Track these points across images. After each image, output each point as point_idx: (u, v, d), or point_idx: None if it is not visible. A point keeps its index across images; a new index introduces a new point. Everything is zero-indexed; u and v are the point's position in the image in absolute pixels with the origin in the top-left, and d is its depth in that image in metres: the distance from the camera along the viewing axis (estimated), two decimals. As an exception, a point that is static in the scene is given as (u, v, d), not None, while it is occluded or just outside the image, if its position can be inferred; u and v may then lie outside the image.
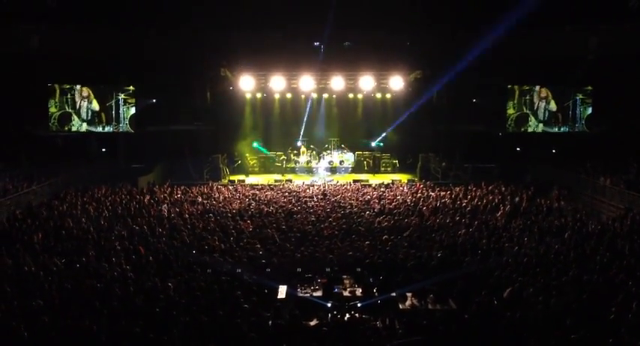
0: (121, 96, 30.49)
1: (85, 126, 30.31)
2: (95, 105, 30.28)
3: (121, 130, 30.70)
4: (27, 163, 28.29)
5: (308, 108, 33.85)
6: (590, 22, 29.29)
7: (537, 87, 30.97)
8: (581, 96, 30.99)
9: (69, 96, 30.02)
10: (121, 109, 30.51)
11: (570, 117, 31.09)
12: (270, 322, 11.33)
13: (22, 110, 30.07)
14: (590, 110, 30.99)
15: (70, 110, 30.07)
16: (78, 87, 30.05)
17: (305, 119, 34.00)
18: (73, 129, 30.23)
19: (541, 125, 31.12)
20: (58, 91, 29.91)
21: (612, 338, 10.00)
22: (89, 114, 30.28)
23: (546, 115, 31.06)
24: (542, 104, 31.00)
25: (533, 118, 31.06)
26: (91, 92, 30.23)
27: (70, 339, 10.45)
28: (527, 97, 31.01)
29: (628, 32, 28.99)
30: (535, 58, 30.26)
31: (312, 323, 11.69)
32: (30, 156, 29.12)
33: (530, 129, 31.19)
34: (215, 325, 11.00)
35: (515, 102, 30.99)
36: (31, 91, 29.54)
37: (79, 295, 12.61)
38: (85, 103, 30.20)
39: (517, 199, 22.80)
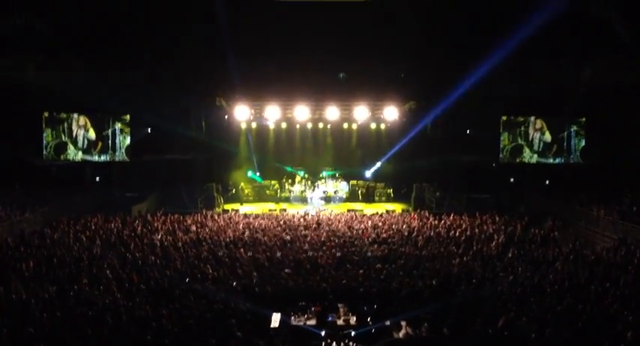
0: (118, 125, 30.59)
1: (80, 155, 30.33)
2: (92, 134, 30.35)
3: (117, 159, 30.72)
4: (20, 191, 28.19)
5: (302, 138, 33.98)
6: (582, 53, 29.64)
7: (532, 118, 31.25)
8: (575, 128, 31.26)
9: (65, 125, 30.08)
10: (117, 138, 30.59)
11: (565, 149, 31.32)
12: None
13: (16, 138, 30.06)
14: (584, 142, 31.22)
15: (67, 139, 30.11)
16: (75, 115, 30.14)
17: (299, 148, 34.12)
18: (69, 157, 30.22)
19: (535, 156, 31.34)
20: (53, 120, 29.94)
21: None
22: (85, 143, 30.31)
23: (541, 146, 31.31)
24: (537, 135, 31.26)
25: (527, 149, 31.29)
26: (88, 121, 30.32)
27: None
28: (522, 128, 31.27)
29: (620, 63, 29.32)
30: (528, 90, 30.52)
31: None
32: (24, 184, 29.03)
33: (525, 160, 31.37)
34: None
35: (510, 133, 31.21)
36: (26, 119, 29.60)
37: (70, 323, 12.48)
38: (81, 132, 30.26)
39: (511, 229, 22.82)
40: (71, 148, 30.18)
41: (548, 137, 31.28)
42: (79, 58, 29.64)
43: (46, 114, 29.93)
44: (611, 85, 29.48)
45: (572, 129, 31.27)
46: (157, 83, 30.36)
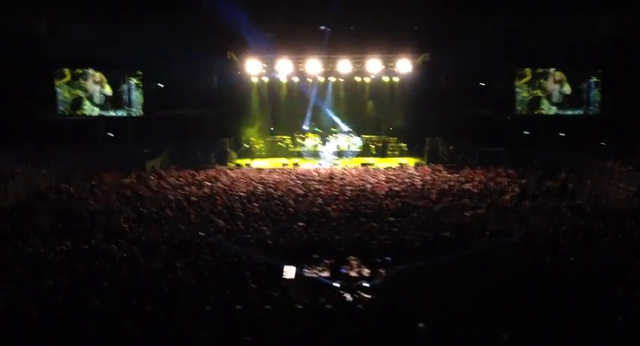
0: (133, 80, 30.47)
1: (97, 111, 30.35)
2: (108, 90, 30.27)
3: (133, 115, 30.72)
4: (35, 147, 28.36)
5: (315, 92, 33.68)
6: (599, 5, 28.99)
7: (552, 70, 30.70)
8: (595, 80, 30.70)
9: (81, 80, 30.01)
10: (132, 94, 30.51)
11: (584, 100, 30.84)
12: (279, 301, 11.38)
13: (29, 94, 30.10)
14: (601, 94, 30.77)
15: (83, 95, 30.09)
16: (91, 71, 30.03)
17: (312, 103, 33.86)
18: (86, 113, 30.25)
19: (554, 108, 30.91)
20: (69, 76, 29.86)
21: (621, 316, 9.99)
22: (102, 99, 30.28)
23: (560, 98, 30.83)
24: (557, 87, 30.75)
25: (546, 101, 30.85)
26: (103, 77, 30.22)
27: (79, 318, 10.52)
28: (542, 80, 30.77)
29: (637, 15, 28.68)
30: (544, 42, 30.02)
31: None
32: (38, 140, 29.19)
33: (543, 112, 30.98)
34: (223, 304, 11.06)
35: (528, 85, 30.73)
36: (38, 76, 29.57)
37: (88, 276, 12.70)
38: (97, 88, 30.19)
39: (525, 182, 22.73)
40: (87, 104, 30.18)
41: (567, 89, 30.75)
42: (90, 13, 29.40)
43: (60, 70, 29.80)
44: (627, 37, 28.91)
45: (591, 81, 30.73)
46: (168, 37, 30.14)
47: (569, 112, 30.96)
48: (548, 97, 30.80)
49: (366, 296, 12.08)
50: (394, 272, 7.75)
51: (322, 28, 30.33)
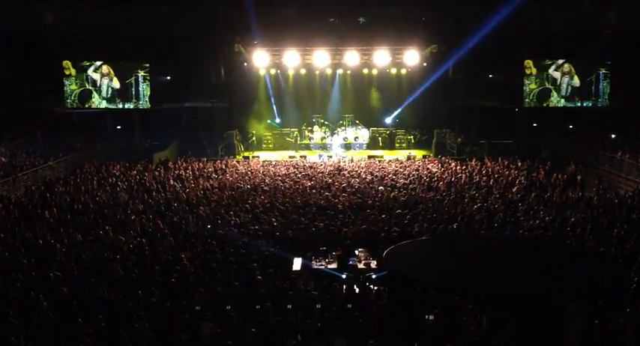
0: (141, 73, 30.42)
1: (104, 104, 30.34)
2: (116, 83, 30.20)
3: (140, 107, 30.69)
4: (43, 140, 28.49)
5: (322, 84, 33.62)
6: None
7: (560, 62, 30.42)
8: (604, 71, 30.41)
9: (89, 73, 30.00)
10: (140, 86, 30.47)
11: (593, 92, 30.58)
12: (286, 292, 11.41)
13: (38, 87, 30.19)
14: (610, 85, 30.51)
15: (91, 87, 30.09)
16: (98, 64, 30.01)
17: (319, 95, 33.83)
18: (93, 106, 30.28)
19: (563, 100, 30.64)
20: (76, 68, 29.87)
21: (630, 308, 9.96)
22: (109, 92, 30.27)
23: (569, 90, 30.55)
24: (566, 79, 30.46)
25: (555, 93, 30.58)
26: (111, 70, 30.19)
27: (88, 308, 10.58)
28: (550, 72, 30.52)
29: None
30: (554, 33, 29.81)
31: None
32: (46, 132, 29.31)
33: (551, 105, 30.73)
34: (231, 295, 11.10)
35: (537, 77, 30.50)
36: (47, 68, 29.63)
37: (96, 266, 12.76)
38: (105, 81, 30.16)
39: (534, 174, 22.64)
40: (95, 96, 30.17)
41: (577, 81, 30.42)
42: (98, 5, 29.43)
43: (67, 63, 29.82)
44: (637, 28, 28.66)
45: (600, 72, 30.46)
46: (176, 30, 30.12)
47: (578, 104, 30.69)
48: (557, 89, 30.54)
49: (373, 287, 12.09)
50: (396, 246, 7.79)
51: (331, 20, 30.21)
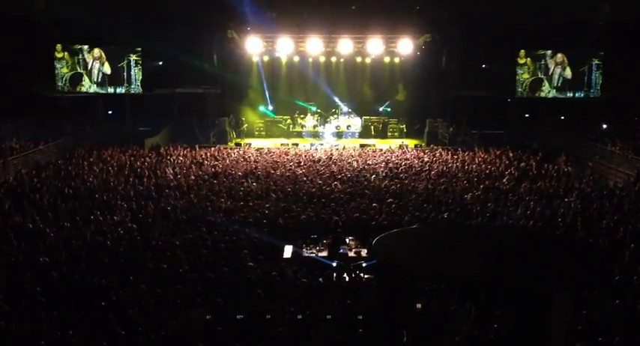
0: (132, 57, 30.18)
1: (94, 88, 30.09)
2: (107, 68, 29.92)
3: (132, 92, 30.47)
4: (33, 123, 28.30)
5: (315, 72, 33.48)
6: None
7: (552, 52, 30.40)
8: (597, 62, 30.45)
9: (80, 56, 29.75)
10: (132, 70, 30.23)
11: (586, 83, 30.62)
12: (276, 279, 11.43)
13: (28, 70, 29.93)
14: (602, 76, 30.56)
15: (82, 71, 29.83)
16: (90, 47, 29.72)
17: (312, 83, 33.71)
18: (84, 89, 30.05)
19: (554, 91, 30.67)
20: (67, 52, 29.60)
21: (618, 299, 10.04)
22: (100, 76, 30.02)
23: (560, 81, 30.58)
24: (558, 70, 30.49)
25: (547, 83, 30.59)
26: (103, 54, 29.93)
27: (78, 294, 10.57)
28: (542, 62, 30.53)
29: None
30: (546, 23, 29.80)
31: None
32: (36, 116, 29.10)
33: (542, 95, 30.76)
34: (221, 282, 11.11)
35: (530, 67, 30.49)
36: (37, 52, 29.39)
37: (85, 252, 12.73)
38: (97, 65, 29.90)
39: (524, 164, 22.72)
40: (86, 80, 29.92)
41: (568, 73, 30.45)
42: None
43: (59, 46, 29.53)
44: (629, 19, 28.71)
45: (592, 63, 30.49)
46: (168, 14, 29.89)
47: (570, 95, 30.74)
48: (549, 80, 30.57)
49: (364, 276, 12.13)
50: (386, 234, 7.81)
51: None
